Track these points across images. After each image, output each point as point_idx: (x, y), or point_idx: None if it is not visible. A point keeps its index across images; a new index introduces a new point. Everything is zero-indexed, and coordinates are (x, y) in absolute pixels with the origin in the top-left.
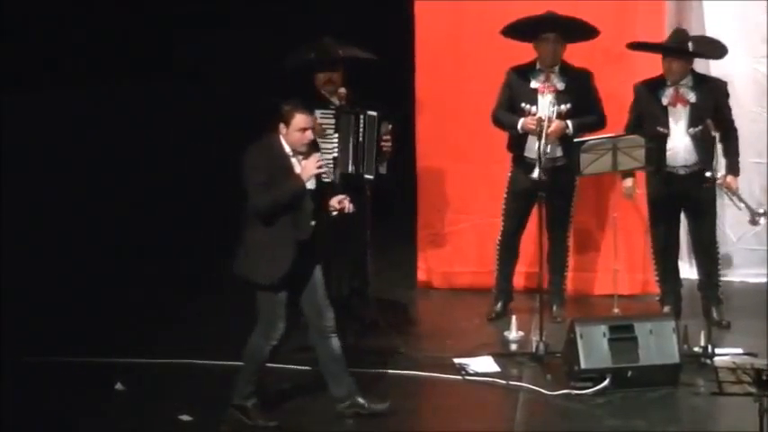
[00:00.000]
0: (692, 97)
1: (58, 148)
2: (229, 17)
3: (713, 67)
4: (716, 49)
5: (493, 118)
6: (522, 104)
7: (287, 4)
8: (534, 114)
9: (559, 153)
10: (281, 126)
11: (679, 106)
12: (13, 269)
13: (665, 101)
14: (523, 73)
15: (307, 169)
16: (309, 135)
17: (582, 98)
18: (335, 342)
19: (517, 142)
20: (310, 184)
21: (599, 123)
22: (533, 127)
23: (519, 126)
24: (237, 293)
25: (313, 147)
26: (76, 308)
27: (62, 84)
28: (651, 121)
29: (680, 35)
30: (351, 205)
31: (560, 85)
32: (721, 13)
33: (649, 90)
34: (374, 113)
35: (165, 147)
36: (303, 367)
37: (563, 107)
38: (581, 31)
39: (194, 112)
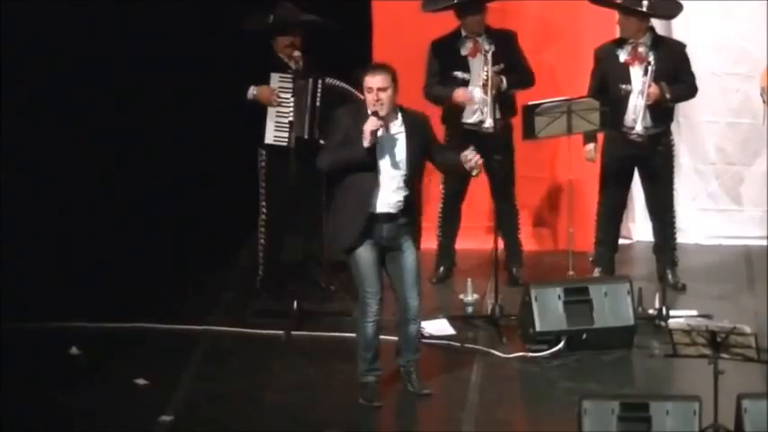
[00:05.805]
0: (650, 56)
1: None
2: None
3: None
4: (671, 8)
5: (427, 94)
6: (455, 73)
7: None
8: (468, 82)
9: (496, 116)
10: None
11: (637, 65)
12: None
13: (621, 58)
14: (449, 43)
15: (365, 129)
16: (376, 96)
17: (510, 58)
18: (413, 328)
19: (455, 113)
20: (370, 143)
21: (529, 80)
22: (467, 98)
23: (453, 98)
24: (196, 257)
25: (394, 110)
26: (30, 272)
27: None
28: (613, 80)
29: None
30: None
31: (490, 48)
32: None
33: (609, 51)
34: (333, 81)
35: (139, 117)
36: (261, 331)
37: (496, 68)
38: None
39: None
